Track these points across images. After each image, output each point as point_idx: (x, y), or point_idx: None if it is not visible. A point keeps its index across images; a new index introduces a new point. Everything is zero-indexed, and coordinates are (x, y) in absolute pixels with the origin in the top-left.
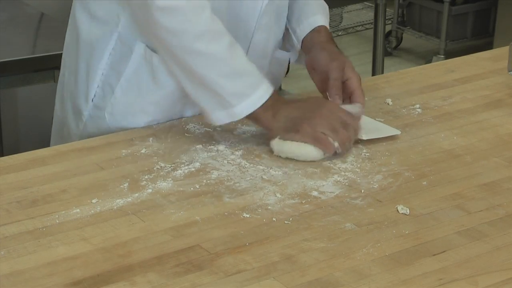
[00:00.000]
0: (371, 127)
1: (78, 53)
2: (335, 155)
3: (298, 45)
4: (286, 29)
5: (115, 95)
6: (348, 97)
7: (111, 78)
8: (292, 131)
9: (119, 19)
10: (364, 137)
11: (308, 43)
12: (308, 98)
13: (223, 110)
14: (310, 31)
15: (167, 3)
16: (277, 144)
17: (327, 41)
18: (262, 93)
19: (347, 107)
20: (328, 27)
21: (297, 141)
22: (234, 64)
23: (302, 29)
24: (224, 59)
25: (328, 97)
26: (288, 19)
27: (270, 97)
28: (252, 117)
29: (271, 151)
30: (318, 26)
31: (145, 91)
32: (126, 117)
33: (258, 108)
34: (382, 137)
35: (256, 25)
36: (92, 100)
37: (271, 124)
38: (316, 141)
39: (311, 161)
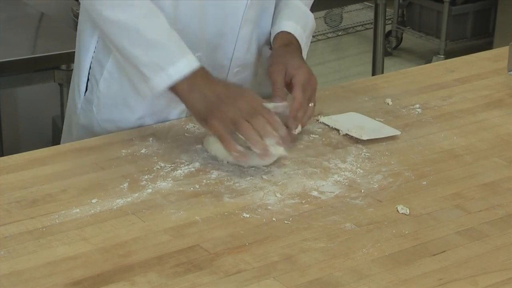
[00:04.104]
0: (371, 127)
1: (77, 43)
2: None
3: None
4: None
5: (99, 88)
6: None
7: (96, 71)
8: (202, 118)
9: None
10: (364, 137)
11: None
12: (231, 85)
13: (143, 83)
14: (275, 35)
15: None
16: (206, 143)
17: (282, 46)
18: (181, 67)
19: (270, 106)
20: (299, 35)
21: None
22: (148, 35)
23: (273, 32)
24: (136, 29)
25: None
26: (272, 19)
27: (193, 73)
28: (173, 91)
29: None
30: (282, 32)
31: (127, 84)
32: (111, 111)
33: (176, 83)
34: (382, 137)
35: (243, 19)
36: (85, 94)
37: (186, 99)
38: (221, 139)
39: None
